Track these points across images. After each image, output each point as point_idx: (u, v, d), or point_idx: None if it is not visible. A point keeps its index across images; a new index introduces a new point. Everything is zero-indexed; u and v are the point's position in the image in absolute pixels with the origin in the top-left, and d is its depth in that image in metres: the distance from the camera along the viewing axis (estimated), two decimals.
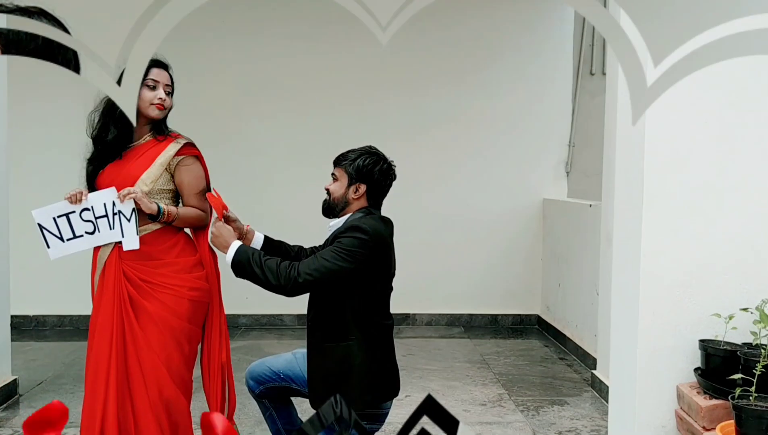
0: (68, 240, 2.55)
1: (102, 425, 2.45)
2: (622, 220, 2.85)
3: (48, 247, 2.56)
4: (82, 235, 2.56)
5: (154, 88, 2.60)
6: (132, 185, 2.55)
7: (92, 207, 2.55)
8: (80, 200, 2.52)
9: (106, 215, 2.54)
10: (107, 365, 2.48)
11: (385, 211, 2.65)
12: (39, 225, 2.55)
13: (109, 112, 2.59)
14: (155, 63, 2.65)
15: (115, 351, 2.49)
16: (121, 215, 2.52)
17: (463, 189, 6.03)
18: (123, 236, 2.52)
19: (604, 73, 5.63)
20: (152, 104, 2.60)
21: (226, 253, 2.44)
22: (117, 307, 2.52)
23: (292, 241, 2.84)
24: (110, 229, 2.53)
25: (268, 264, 2.38)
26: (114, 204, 2.52)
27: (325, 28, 5.90)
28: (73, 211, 2.54)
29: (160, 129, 2.67)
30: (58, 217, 2.54)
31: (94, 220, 2.55)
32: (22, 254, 4.99)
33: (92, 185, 2.61)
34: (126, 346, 2.52)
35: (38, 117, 5.72)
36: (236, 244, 2.44)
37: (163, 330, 2.54)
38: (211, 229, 2.52)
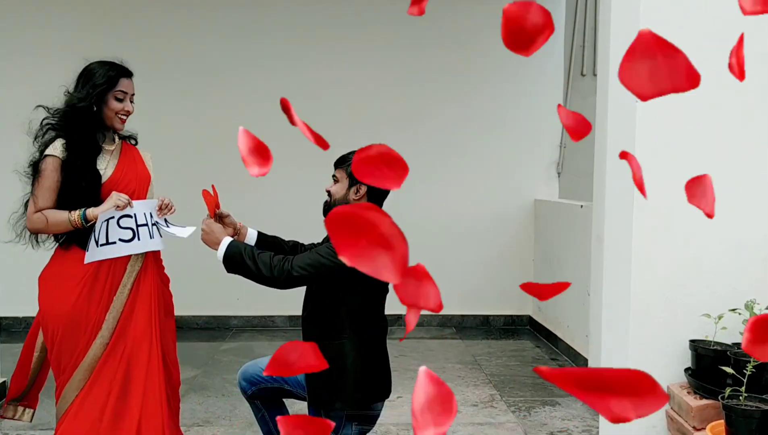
0: (101, 245, 2.53)
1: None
2: (613, 222, 2.86)
3: (87, 249, 2.56)
4: (115, 242, 2.55)
5: (122, 100, 2.61)
6: (148, 187, 2.72)
7: (135, 214, 2.58)
8: (126, 207, 2.54)
9: (147, 224, 2.61)
10: (147, 355, 2.62)
11: None
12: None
13: (84, 118, 2.57)
14: (124, 72, 2.66)
15: (154, 345, 2.64)
16: (159, 226, 2.67)
17: (454, 190, 6.04)
18: (158, 243, 2.68)
19: (594, 74, 5.65)
20: (118, 115, 2.62)
21: (216, 250, 2.44)
22: (155, 305, 2.68)
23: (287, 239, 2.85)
24: (150, 238, 2.63)
25: (261, 257, 2.39)
26: (151, 215, 2.63)
27: (319, 30, 5.90)
28: (113, 217, 2.53)
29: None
30: (104, 220, 2.53)
31: (135, 227, 2.58)
32: (11, 255, 4.95)
33: (98, 194, 2.56)
34: (155, 343, 2.67)
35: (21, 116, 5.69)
36: (227, 239, 2.46)
37: (172, 319, 2.84)
38: (201, 226, 2.52)
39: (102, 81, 2.57)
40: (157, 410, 2.60)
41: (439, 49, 5.96)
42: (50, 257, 2.65)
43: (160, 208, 2.67)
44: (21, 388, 2.83)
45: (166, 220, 2.71)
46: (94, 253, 2.54)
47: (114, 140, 2.71)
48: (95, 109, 2.59)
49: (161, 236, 2.69)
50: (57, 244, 2.62)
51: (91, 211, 2.50)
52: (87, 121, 2.57)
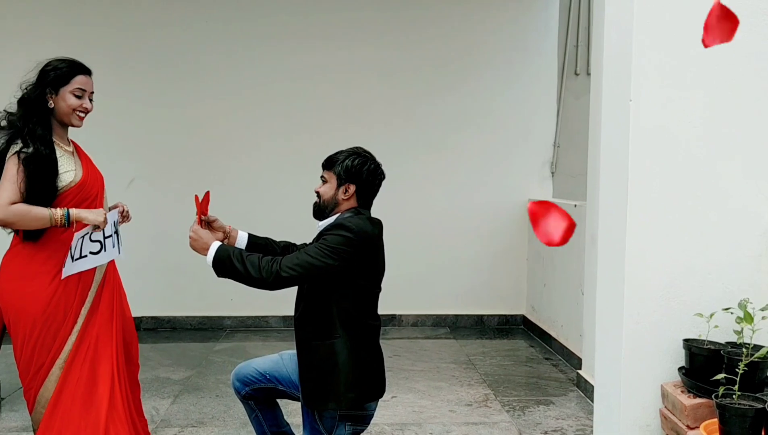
0: (75, 260, 2.54)
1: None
2: (606, 221, 2.86)
3: (64, 265, 2.58)
4: (86, 256, 2.56)
5: (80, 96, 2.58)
6: (103, 190, 2.72)
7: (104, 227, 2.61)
8: (104, 225, 2.56)
9: (111, 235, 2.63)
10: (109, 342, 2.68)
11: (371, 212, 2.64)
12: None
13: (39, 114, 2.54)
14: (82, 69, 2.62)
15: (115, 332, 2.71)
16: (118, 234, 2.70)
17: (448, 190, 6.04)
18: (119, 253, 2.71)
19: (588, 74, 5.65)
20: (76, 112, 2.59)
21: (206, 255, 2.43)
22: (117, 295, 2.76)
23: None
24: (112, 247, 2.65)
25: (250, 259, 2.38)
26: (114, 224, 2.65)
27: (312, 30, 5.89)
28: (87, 233, 2.55)
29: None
30: (80, 237, 2.55)
31: (102, 240, 2.60)
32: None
33: (55, 192, 2.53)
34: (117, 332, 2.73)
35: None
36: (216, 244, 2.44)
37: (127, 309, 2.88)
38: (188, 233, 2.49)
39: (52, 76, 2.54)
40: (122, 398, 2.66)
41: (433, 48, 5.95)
42: (7, 255, 2.60)
43: (121, 216, 2.72)
44: None
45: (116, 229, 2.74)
46: (68, 267, 2.54)
47: (68, 142, 2.68)
48: (51, 106, 2.56)
49: (120, 244, 2.73)
50: (17, 236, 2.58)
51: (75, 213, 2.49)
52: (43, 118, 2.54)
